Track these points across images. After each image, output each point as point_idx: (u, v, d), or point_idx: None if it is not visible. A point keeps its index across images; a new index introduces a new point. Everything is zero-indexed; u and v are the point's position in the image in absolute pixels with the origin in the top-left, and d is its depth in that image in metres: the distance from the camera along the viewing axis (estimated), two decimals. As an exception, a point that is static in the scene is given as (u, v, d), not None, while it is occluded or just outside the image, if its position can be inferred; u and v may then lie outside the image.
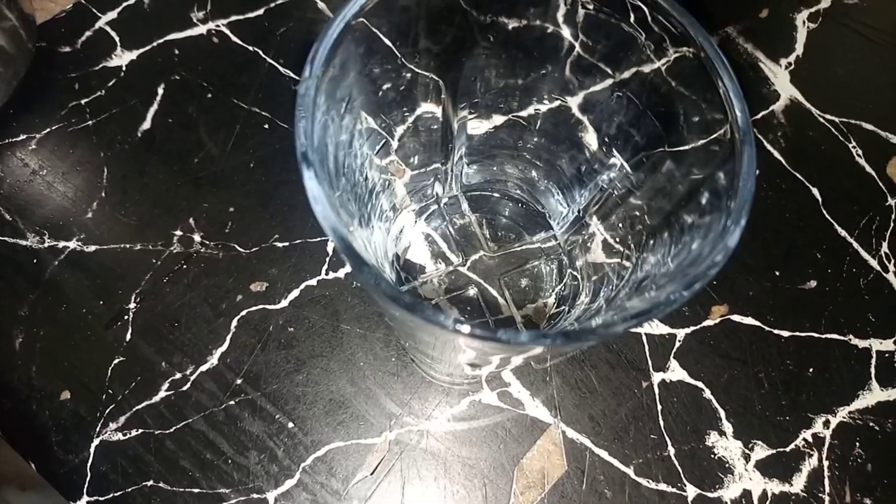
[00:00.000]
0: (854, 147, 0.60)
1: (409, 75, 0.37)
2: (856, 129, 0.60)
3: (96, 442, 0.47)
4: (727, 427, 0.50)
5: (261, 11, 0.62)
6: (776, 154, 0.59)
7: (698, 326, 0.52)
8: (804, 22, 0.64)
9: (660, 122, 0.36)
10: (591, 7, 0.34)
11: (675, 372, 0.51)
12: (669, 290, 0.30)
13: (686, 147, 0.35)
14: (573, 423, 0.49)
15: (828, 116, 0.60)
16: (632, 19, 0.34)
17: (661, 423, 0.50)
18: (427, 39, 0.36)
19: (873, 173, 0.59)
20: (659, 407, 0.50)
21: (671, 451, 0.49)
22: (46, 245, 0.52)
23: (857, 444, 0.51)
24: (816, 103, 0.61)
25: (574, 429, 0.49)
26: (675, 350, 0.52)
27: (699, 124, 0.34)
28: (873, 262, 0.56)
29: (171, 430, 0.48)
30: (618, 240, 0.40)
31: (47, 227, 0.53)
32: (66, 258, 0.52)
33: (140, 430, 0.48)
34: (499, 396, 0.49)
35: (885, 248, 0.56)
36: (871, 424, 0.51)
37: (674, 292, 0.29)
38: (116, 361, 0.49)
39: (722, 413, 0.50)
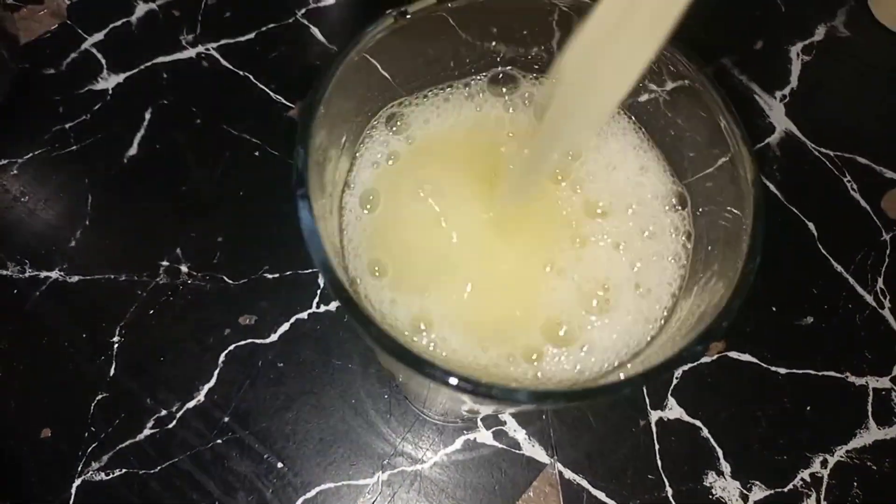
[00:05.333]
0: (849, 181, 0.59)
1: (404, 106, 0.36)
2: (850, 163, 0.60)
3: (78, 482, 0.46)
4: (725, 467, 0.49)
5: (252, 35, 0.60)
6: (772, 188, 0.58)
7: (696, 363, 0.52)
8: (798, 54, 0.64)
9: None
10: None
11: (673, 410, 0.50)
12: (682, 344, 0.29)
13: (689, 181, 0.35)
14: (570, 463, 0.48)
15: (822, 150, 0.60)
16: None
17: (659, 462, 0.49)
18: (426, 70, 0.36)
19: (868, 208, 0.59)
20: (657, 446, 0.49)
21: (669, 491, 0.48)
22: (28, 275, 0.50)
23: (855, 484, 0.50)
24: (811, 137, 0.61)
25: (571, 469, 0.48)
26: (672, 387, 0.51)
27: (704, 159, 0.33)
28: (869, 298, 0.55)
29: (156, 469, 0.46)
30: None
31: (29, 255, 0.51)
32: (48, 289, 0.50)
33: (123, 470, 0.46)
34: (494, 435, 0.48)
35: (880, 283, 0.56)
36: (869, 464, 0.51)
37: (688, 348, 0.28)
38: (99, 397, 0.48)
39: (720, 452, 0.50)
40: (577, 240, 0.33)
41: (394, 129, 0.35)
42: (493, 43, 0.35)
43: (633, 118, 0.36)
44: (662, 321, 0.33)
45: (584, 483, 0.48)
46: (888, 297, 0.55)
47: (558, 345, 0.32)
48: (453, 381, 0.25)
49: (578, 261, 0.33)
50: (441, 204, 0.34)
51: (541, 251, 0.33)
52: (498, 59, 0.36)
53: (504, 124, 0.36)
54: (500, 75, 0.37)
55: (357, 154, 0.35)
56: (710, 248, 0.33)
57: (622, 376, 0.29)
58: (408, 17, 0.32)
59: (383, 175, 0.34)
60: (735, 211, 0.31)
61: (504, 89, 0.37)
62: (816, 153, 0.60)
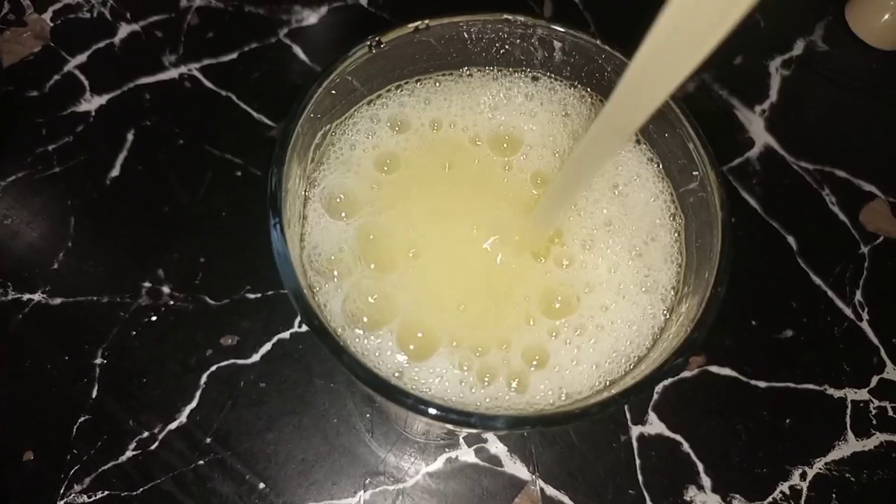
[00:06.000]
0: (828, 195, 0.60)
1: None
2: (829, 177, 0.61)
3: (60, 504, 0.46)
4: (705, 481, 0.50)
5: (234, 55, 0.61)
6: (752, 202, 0.59)
7: (676, 378, 0.52)
8: (777, 69, 0.65)
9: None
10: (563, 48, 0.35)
11: (654, 425, 0.51)
12: (662, 358, 0.29)
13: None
14: (551, 480, 0.49)
15: (802, 164, 0.61)
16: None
17: (640, 478, 0.49)
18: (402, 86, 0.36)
19: (846, 221, 0.59)
20: (637, 461, 0.50)
21: (650, 506, 0.49)
22: (10, 297, 0.51)
23: (834, 495, 0.51)
24: (790, 150, 0.61)
25: (552, 485, 0.48)
26: (653, 402, 0.51)
27: (684, 175, 0.34)
28: (847, 311, 0.56)
29: (139, 491, 0.46)
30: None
31: (11, 278, 0.51)
32: (31, 311, 0.50)
33: (106, 492, 0.46)
34: (476, 453, 0.49)
35: (858, 296, 0.57)
36: (847, 475, 0.51)
37: (667, 363, 0.28)
38: (82, 419, 0.48)
39: (700, 466, 0.50)
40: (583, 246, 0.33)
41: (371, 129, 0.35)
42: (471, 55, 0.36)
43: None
44: (662, 324, 0.33)
45: (566, 499, 0.48)
46: (866, 310, 0.56)
47: (540, 367, 0.31)
48: (433, 411, 0.25)
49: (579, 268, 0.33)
50: (417, 209, 0.34)
51: (528, 257, 0.33)
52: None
53: (490, 117, 0.36)
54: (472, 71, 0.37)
55: (325, 159, 0.34)
56: (694, 260, 0.33)
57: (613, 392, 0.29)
58: (382, 46, 0.32)
59: (362, 182, 0.34)
60: (707, 230, 0.32)
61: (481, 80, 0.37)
62: (796, 167, 0.61)
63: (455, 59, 0.36)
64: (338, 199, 0.33)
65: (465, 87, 0.37)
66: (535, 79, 0.37)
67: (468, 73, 0.37)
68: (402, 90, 0.36)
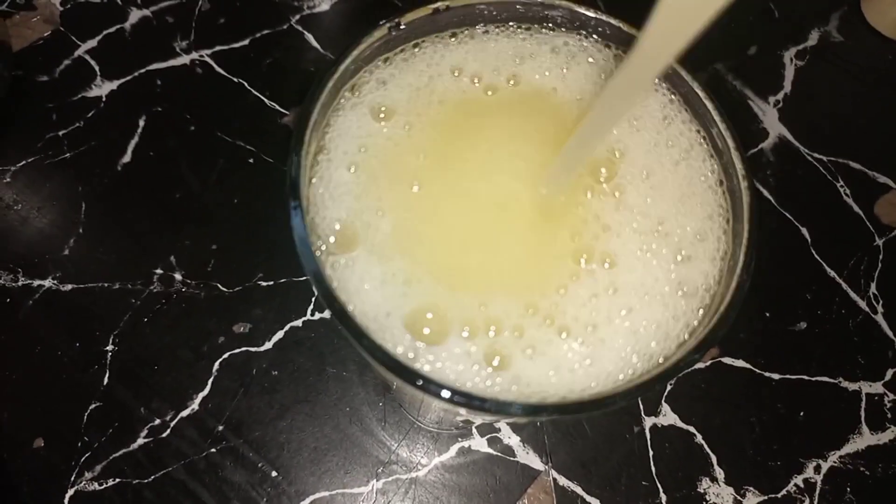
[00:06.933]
0: (842, 186, 0.59)
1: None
2: (843, 168, 0.60)
3: (71, 492, 0.46)
4: (719, 473, 0.49)
5: (246, 41, 0.60)
6: (766, 193, 0.58)
7: (690, 369, 0.52)
8: (792, 59, 0.64)
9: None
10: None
11: (667, 416, 0.50)
12: (679, 354, 0.29)
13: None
14: (564, 471, 0.48)
15: (816, 155, 0.60)
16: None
17: (653, 469, 0.49)
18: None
19: (861, 213, 0.59)
20: (651, 453, 0.49)
21: (663, 498, 0.48)
22: (20, 284, 0.50)
23: (848, 489, 0.50)
24: (804, 142, 0.61)
25: (566, 476, 0.48)
26: (666, 394, 0.51)
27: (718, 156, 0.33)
28: (862, 304, 0.56)
29: (150, 479, 0.46)
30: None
31: (21, 264, 0.51)
32: (41, 298, 0.50)
33: (117, 480, 0.46)
34: (489, 442, 0.48)
35: (873, 288, 0.56)
36: (862, 469, 0.51)
37: (685, 358, 0.28)
38: (93, 407, 0.47)
39: (714, 458, 0.50)
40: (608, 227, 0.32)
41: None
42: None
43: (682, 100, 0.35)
44: (696, 323, 0.32)
45: (579, 490, 0.48)
46: (881, 303, 0.56)
47: (557, 358, 0.31)
48: (446, 394, 0.25)
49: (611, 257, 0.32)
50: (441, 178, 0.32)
51: (567, 240, 0.31)
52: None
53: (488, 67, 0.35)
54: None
55: (334, 128, 0.33)
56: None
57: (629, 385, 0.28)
58: (402, 28, 0.32)
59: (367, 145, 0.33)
60: (734, 216, 0.31)
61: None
62: (810, 158, 0.60)
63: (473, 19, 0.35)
64: (350, 170, 0.32)
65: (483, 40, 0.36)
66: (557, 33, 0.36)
67: (484, 29, 0.35)
68: (419, 48, 0.35)
